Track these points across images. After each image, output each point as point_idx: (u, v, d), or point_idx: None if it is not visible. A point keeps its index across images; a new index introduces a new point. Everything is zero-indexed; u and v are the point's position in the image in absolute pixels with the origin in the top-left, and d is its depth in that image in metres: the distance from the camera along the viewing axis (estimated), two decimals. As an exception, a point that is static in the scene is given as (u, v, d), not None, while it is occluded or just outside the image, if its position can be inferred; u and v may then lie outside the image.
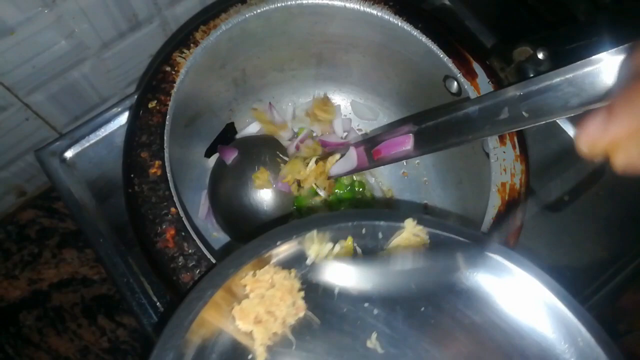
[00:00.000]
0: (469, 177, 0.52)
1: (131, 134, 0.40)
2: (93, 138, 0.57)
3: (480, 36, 0.69)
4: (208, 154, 0.56)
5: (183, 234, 0.37)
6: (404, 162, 0.60)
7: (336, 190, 0.57)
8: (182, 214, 0.38)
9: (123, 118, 0.57)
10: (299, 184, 0.52)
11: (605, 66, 0.33)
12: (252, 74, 0.55)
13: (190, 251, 0.37)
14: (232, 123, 0.58)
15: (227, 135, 0.57)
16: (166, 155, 0.39)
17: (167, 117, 0.41)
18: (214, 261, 0.37)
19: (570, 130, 0.65)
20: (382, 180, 0.59)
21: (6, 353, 0.70)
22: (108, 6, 0.59)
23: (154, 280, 0.52)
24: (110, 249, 0.53)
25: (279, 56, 0.54)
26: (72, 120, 0.71)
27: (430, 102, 0.53)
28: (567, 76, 0.36)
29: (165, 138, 0.40)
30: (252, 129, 0.57)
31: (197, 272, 0.36)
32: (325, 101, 0.59)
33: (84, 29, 0.59)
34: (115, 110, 0.57)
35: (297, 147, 0.57)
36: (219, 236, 0.54)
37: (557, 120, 0.64)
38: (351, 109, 0.61)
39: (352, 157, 0.49)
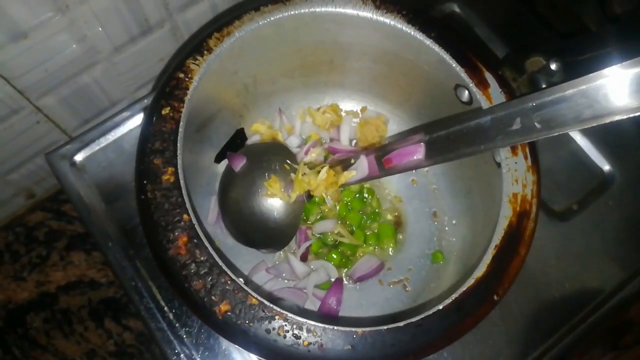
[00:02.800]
0: (479, 187, 0.52)
1: (144, 140, 0.40)
2: (103, 142, 0.57)
3: (490, 44, 0.69)
4: (218, 160, 0.56)
5: (195, 241, 0.37)
6: (414, 170, 0.60)
7: (345, 199, 0.57)
8: (194, 221, 0.38)
9: (132, 122, 0.57)
10: (308, 192, 0.52)
11: (619, 79, 0.33)
12: (262, 81, 0.55)
13: (202, 258, 0.37)
14: (242, 129, 0.58)
15: (237, 141, 0.57)
16: (179, 162, 0.39)
17: (181, 123, 0.41)
18: (225, 268, 0.37)
19: (579, 139, 0.65)
20: (391, 188, 0.59)
21: (13, 355, 0.71)
22: (120, 11, 0.59)
23: (162, 284, 0.52)
24: (118, 252, 0.53)
25: (290, 63, 0.54)
26: (82, 124, 0.71)
27: (440, 110, 0.53)
28: (580, 88, 0.35)
29: (178, 145, 0.40)
30: (257, 137, 0.57)
31: (209, 279, 0.37)
32: (334, 108, 0.59)
33: (96, 33, 0.59)
34: (125, 114, 0.57)
35: (307, 154, 0.57)
36: (222, 244, 0.54)
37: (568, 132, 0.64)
38: (361, 117, 0.61)
39: (364, 166, 0.49)
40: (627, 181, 0.63)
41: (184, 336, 0.51)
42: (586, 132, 0.65)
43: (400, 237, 0.57)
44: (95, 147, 0.57)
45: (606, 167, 0.64)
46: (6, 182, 0.71)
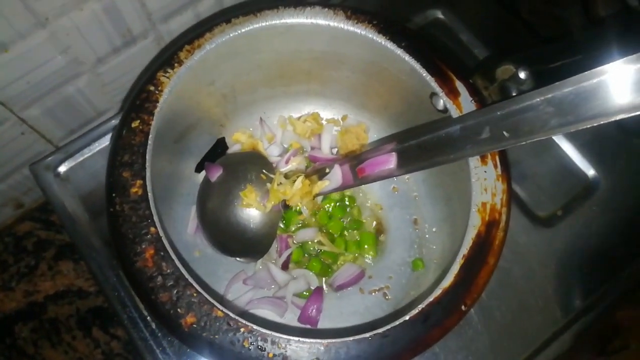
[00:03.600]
0: (458, 194, 0.52)
1: (114, 153, 0.41)
2: (87, 152, 0.58)
3: (475, 50, 0.69)
4: (198, 170, 0.57)
5: (162, 253, 0.38)
6: (395, 177, 0.60)
7: (325, 206, 0.57)
8: (162, 233, 0.38)
9: (113, 132, 0.57)
10: (284, 202, 0.52)
11: (585, 87, 0.33)
12: (241, 91, 0.55)
13: (168, 271, 0.37)
14: (223, 138, 0.58)
15: (217, 151, 0.58)
16: (148, 174, 0.40)
17: (150, 136, 0.41)
18: (191, 281, 0.37)
19: (564, 144, 0.64)
20: (372, 195, 0.59)
21: (1, 365, 0.71)
22: (102, 22, 0.59)
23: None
24: (102, 262, 0.53)
25: (268, 73, 0.54)
26: (68, 134, 0.72)
27: (418, 118, 0.53)
28: (547, 96, 0.35)
29: (147, 157, 0.40)
30: (238, 146, 0.58)
31: (175, 292, 0.37)
32: (315, 116, 0.60)
33: (79, 44, 0.60)
34: (110, 124, 0.58)
35: (287, 162, 0.57)
36: (202, 254, 0.54)
37: (552, 136, 0.64)
38: (342, 125, 0.61)
39: (337, 175, 0.49)
40: (612, 186, 0.63)
41: (166, 345, 0.51)
42: (571, 138, 0.64)
43: (381, 244, 0.57)
44: (79, 157, 0.58)
45: (591, 173, 0.64)
46: (-6, 193, 0.72)
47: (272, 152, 0.59)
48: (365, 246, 0.56)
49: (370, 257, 0.56)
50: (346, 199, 0.58)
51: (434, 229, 0.56)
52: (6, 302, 0.73)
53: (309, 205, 0.52)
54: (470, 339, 0.55)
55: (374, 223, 0.58)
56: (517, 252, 0.59)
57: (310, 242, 0.56)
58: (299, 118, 0.61)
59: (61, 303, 0.75)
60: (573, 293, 0.58)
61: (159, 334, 0.52)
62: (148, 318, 0.52)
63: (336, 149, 0.60)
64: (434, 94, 0.48)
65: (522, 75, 0.41)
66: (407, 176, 0.59)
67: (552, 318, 0.57)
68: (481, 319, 0.56)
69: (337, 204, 0.57)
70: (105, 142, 0.58)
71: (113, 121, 0.58)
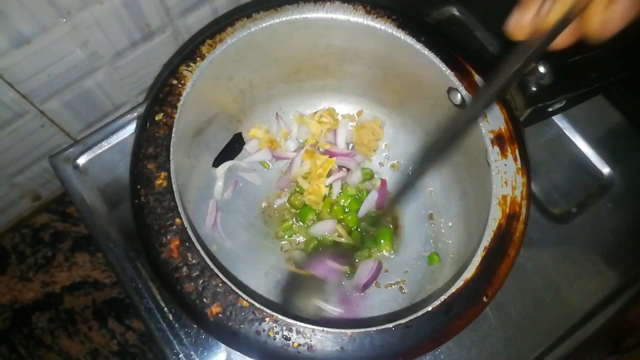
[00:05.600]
0: (473, 189, 0.52)
1: (138, 145, 0.41)
2: (105, 145, 0.58)
3: (490, 46, 0.69)
4: (216, 164, 0.57)
5: (187, 244, 0.38)
6: (409, 172, 0.60)
7: (341, 201, 0.58)
8: (186, 224, 0.39)
9: (135, 125, 0.58)
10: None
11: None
12: (259, 86, 0.55)
13: (194, 261, 0.38)
14: (240, 133, 0.59)
15: (234, 146, 0.58)
16: (172, 167, 0.40)
17: (173, 129, 0.42)
18: (216, 271, 0.38)
19: (579, 141, 0.64)
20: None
21: (19, 354, 0.72)
22: (121, 16, 0.60)
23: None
24: (119, 254, 0.54)
25: (286, 68, 0.55)
26: (86, 127, 0.73)
27: (434, 113, 0.53)
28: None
29: (171, 150, 0.41)
30: (256, 141, 0.58)
31: (201, 282, 0.37)
32: (331, 112, 0.60)
33: (98, 38, 0.61)
34: (128, 117, 0.59)
35: (303, 157, 0.57)
36: (220, 248, 0.55)
37: (567, 132, 0.64)
38: (357, 120, 0.61)
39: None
40: (627, 184, 0.63)
41: (183, 336, 0.52)
42: (586, 135, 0.64)
43: (397, 239, 0.58)
44: (97, 150, 0.58)
45: (606, 170, 0.64)
46: (12, 185, 0.73)
47: (288, 148, 0.60)
48: (382, 241, 0.57)
49: (386, 252, 0.57)
50: (363, 192, 0.58)
51: (449, 224, 0.57)
52: (24, 292, 0.74)
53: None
54: (485, 334, 0.55)
55: (390, 218, 0.59)
56: (531, 248, 0.59)
57: (327, 235, 0.56)
58: (315, 113, 0.61)
59: (77, 294, 0.75)
60: (587, 290, 0.58)
61: (176, 325, 0.52)
62: (165, 309, 0.53)
63: (352, 144, 0.61)
64: (451, 89, 0.48)
65: (541, 69, 0.42)
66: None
67: (566, 315, 0.57)
68: (496, 315, 0.56)
69: (355, 197, 0.58)
70: (123, 135, 0.59)
71: (129, 115, 0.59)
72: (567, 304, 0.57)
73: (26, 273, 0.75)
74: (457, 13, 0.71)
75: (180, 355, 0.51)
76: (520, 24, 0.33)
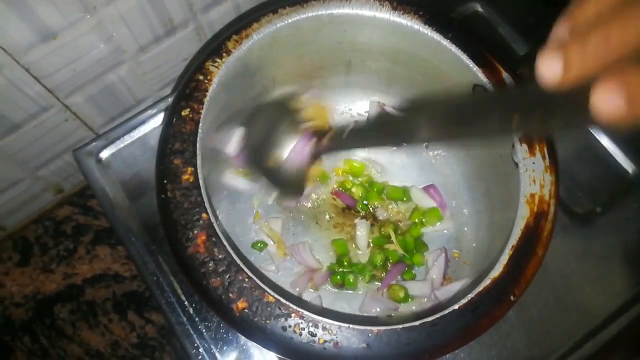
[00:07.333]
0: (497, 186, 0.52)
1: (165, 141, 0.41)
2: (127, 139, 0.59)
3: (513, 43, 0.68)
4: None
5: (214, 239, 0.38)
6: (432, 172, 0.60)
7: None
8: (213, 219, 0.39)
9: (157, 120, 0.58)
10: None
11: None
12: (281, 82, 0.55)
13: (220, 256, 0.38)
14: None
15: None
16: (199, 162, 0.40)
17: (200, 124, 0.42)
18: (243, 266, 0.38)
19: (605, 140, 0.63)
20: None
21: (41, 344, 0.73)
22: (145, 11, 0.60)
23: (183, 279, 0.53)
24: (141, 247, 0.54)
25: (309, 64, 0.55)
26: (109, 121, 0.73)
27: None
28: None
29: (198, 145, 0.41)
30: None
31: (227, 277, 0.37)
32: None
33: (122, 33, 0.61)
34: (149, 112, 0.59)
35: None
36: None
37: (592, 130, 0.63)
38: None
39: None
40: (654, 184, 0.62)
41: (203, 330, 0.52)
42: (612, 133, 0.63)
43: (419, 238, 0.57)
44: (120, 144, 0.59)
45: (632, 169, 0.62)
46: (36, 178, 0.74)
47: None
48: (418, 254, 0.56)
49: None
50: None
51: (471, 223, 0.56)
52: (47, 283, 0.76)
53: None
54: (506, 334, 0.55)
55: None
56: (554, 248, 0.58)
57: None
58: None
59: (98, 286, 0.76)
60: (610, 292, 0.58)
61: (197, 319, 0.52)
62: (186, 303, 0.53)
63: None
64: (476, 85, 0.48)
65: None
66: (446, 170, 0.59)
67: (588, 316, 0.56)
68: (517, 315, 0.56)
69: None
70: (145, 129, 0.59)
71: (150, 110, 0.59)
72: (589, 305, 0.57)
73: (49, 265, 0.77)
74: (480, 9, 0.70)
75: (200, 349, 0.51)
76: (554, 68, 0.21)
